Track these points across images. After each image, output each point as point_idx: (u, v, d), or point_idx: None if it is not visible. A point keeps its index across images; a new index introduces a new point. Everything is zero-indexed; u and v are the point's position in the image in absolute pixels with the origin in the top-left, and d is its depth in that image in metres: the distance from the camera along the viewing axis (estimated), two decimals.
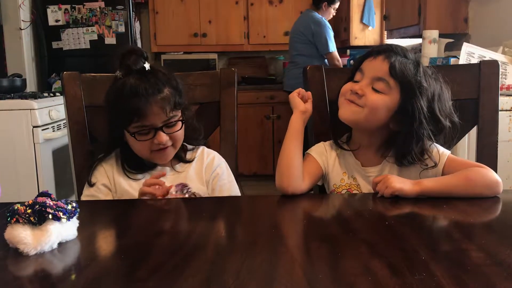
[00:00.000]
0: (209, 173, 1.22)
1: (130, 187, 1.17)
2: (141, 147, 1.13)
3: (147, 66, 1.13)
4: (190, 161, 1.22)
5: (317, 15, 3.57)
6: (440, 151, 1.09)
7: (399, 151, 1.08)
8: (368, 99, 1.05)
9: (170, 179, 1.19)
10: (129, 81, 1.10)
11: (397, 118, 1.06)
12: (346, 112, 1.09)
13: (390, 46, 1.10)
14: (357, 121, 1.09)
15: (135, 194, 1.14)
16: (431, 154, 1.07)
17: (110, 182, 1.18)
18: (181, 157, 1.22)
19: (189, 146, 1.25)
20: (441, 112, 1.06)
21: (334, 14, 3.75)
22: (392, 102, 1.06)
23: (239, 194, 1.25)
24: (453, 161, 1.09)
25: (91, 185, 1.17)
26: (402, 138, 1.06)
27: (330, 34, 3.49)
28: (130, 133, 1.12)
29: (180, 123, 1.15)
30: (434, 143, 1.10)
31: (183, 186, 1.17)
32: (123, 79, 1.12)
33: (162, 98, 1.10)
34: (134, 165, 1.19)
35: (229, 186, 1.22)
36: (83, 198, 1.18)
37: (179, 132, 1.16)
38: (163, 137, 1.11)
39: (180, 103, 1.15)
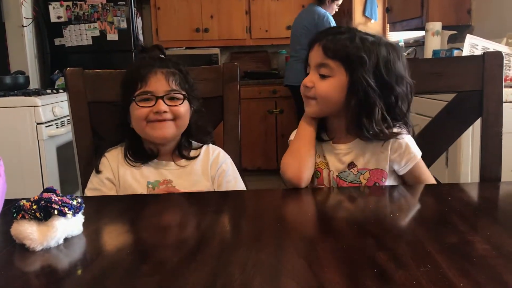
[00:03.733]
0: (215, 169, 1.22)
1: (133, 179, 1.17)
2: (139, 115, 1.14)
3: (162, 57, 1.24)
4: (193, 158, 1.22)
5: (322, 10, 3.56)
6: (411, 154, 1.10)
7: (357, 125, 1.07)
8: (317, 90, 1.08)
9: (176, 174, 1.19)
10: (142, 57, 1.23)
11: (351, 94, 1.06)
12: (306, 108, 1.13)
13: (322, 31, 1.12)
14: (318, 113, 1.12)
15: (137, 187, 1.15)
16: (391, 127, 1.07)
17: (114, 175, 1.18)
18: (184, 155, 1.22)
19: (194, 144, 1.25)
20: (390, 76, 1.05)
21: (337, 10, 3.74)
22: (340, 82, 1.06)
23: (242, 184, 1.25)
24: (415, 168, 1.11)
25: (98, 171, 1.18)
26: (355, 112, 1.06)
27: None
28: (133, 99, 1.15)
29: (183, 101, 1.17)
30: (408, 138, 1.10)
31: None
32: None
33: (167, 71, 1.17)
34: (137, 153, 1.19)
35: (234, 183, 1.22)
36: (87, 190, 1.19)
37: (182, 109, 1.16)
38: (162, 105, 1.13)
39: (184, 86, 1.19)
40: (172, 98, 1.16)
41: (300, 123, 1.16)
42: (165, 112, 1.13)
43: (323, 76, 1.08)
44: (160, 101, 1.13)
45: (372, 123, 1.04)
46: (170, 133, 1.16)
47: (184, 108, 1.17)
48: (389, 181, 1.13)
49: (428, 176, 1.14)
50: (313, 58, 1.10)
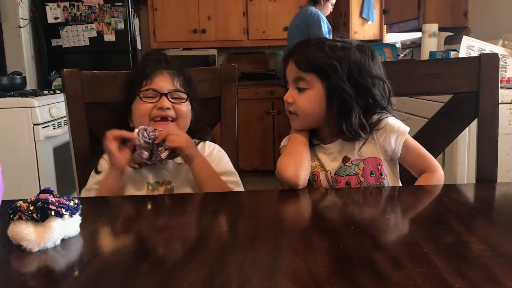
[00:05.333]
0: (210, 160, 1.22)
1: (132, 180, 1.17)
2: (143, 110, 1.15)
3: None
4: None
5: (314, 9, 3.58)
6: (395, 128, 1.09)
7: (338, 130, 1.09)
8: (297, 106, 1.10)
9: (174, 173, 1.19)
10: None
11: (331, 103, 1.08)
12: (291, 124, 1.15)
13: (293, 46, 1.14)
14: (301, 127, 1.14)
15: (136, 189, 1.16)
16: (367, 129, 1.07)
17: None
18: None
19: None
20: (364, 78, 1.06)
21: (331, 10, 3.76)
22: (318, 93, 1.08)
23: (237, 178, 1.24)
24: (409, 148, 1.11)
25: (97, 172, 1.19)
26: (335, 118, 1.08)
27: (322, 26, 3.48)
28: (137, 94, 1.16)
29: (185, 100, 1.19)
30: (391, 118, 1.10)
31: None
32: None
33: (173, 72, 1.20)
34: None
35: (231, 169, 1.23)
36: (83, 190, 1.19)
37: (184, 108, 1.18)
38: (166, 102, 1.16)
39: (187, 88, 1.21)
40: (175, 97, 1.18)
41: (292, 131, 1.17)
42: (168, 108, 1.15)
43: (301, 90, 1.10)
44: (164, 97, 1.16)
45: (350, 128, 1.06)
46: None
47: (186, 108, 1.19)
48: (386, 170, 1.13)
49: (424, 153, 1.13)
50: (289, 74, 1.12)
